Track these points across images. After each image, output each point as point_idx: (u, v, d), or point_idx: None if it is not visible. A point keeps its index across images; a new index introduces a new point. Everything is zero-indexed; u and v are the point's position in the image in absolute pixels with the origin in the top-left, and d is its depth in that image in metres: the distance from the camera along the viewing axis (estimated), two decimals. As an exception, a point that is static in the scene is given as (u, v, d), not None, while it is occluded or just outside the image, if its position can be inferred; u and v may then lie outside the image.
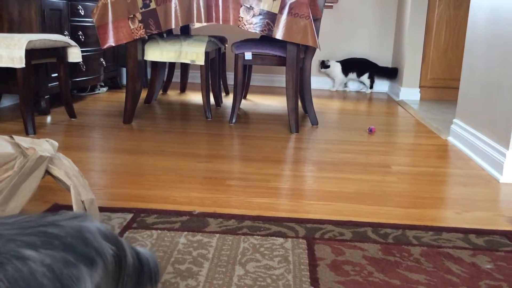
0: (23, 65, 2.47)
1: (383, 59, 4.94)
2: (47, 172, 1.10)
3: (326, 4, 4.78)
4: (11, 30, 3.01)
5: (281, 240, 1.39)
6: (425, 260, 1.31)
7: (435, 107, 3.95)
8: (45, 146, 1.11)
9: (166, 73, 4.25)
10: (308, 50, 3.00)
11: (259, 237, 1.41)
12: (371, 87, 4.79)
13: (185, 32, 4.01)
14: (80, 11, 3.52)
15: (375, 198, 1.80)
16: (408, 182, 2.02)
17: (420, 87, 4.35)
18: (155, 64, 3.68)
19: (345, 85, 4.96)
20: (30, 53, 2.53)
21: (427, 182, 2.03)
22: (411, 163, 2.30)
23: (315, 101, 4.09)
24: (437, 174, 2.15)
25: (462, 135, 2.61)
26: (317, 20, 2.90)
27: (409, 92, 4.35)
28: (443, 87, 4.35)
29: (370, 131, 2.95)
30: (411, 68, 4.32)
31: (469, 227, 1.56)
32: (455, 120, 2.78)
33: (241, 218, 1.55)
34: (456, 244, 1.42)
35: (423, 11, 4.21)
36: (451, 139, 2.78)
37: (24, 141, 1.11)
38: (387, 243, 1.41)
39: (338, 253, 1.33)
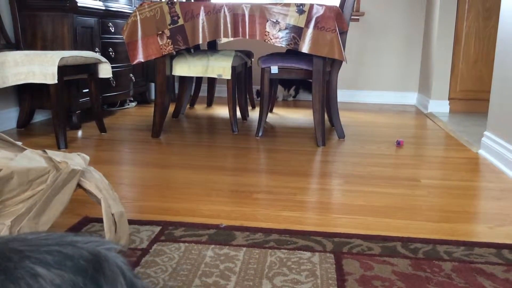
0: (56, 81, 2.55)
1: (411, 71, 4.89)
2: (79, 186, 1.13)
3: (352, 17, 4.77)
4: (44, 47, 3.11)
5: (308, 254, 1.38)
6: (457, 276, 1.28)
7: (465, 119, 3.88)
8: (77, 160, 1.14)
9: (193, 87, 4.30)
10: (334, 63, 2.99)
11: (286, 251, 1.40)
12: (295, 96, 5.05)
13: (212, 47, 4.06)
14: (111, 28, 3.61)
15: (405, 212, 1.77)
16: (438, 196, 1.98)
17: (449, 99, 4.28)
18: (182, 79, 3.73)
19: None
20: (63, 69, 2.60)
21: (458, 196, 1.99)
22: (441, 177, 2.26)
23: (342, 114, 4.07)
24: (468, 187, 2.10)
25: (493, 148, 2.55)
26: (343, 33, 2.90)
27: (438, 104, 4.29)
28: (473, 99, 4.27)
29: (399, 144, 2.91)
30: (440, 80, 4.26)
31: (502, 242, 1.52)
32: (486, 133, 2.72)
33: (268, 231, 1.54)
34: (489, 260, 1.38)
35: (452, 22, 4.16)
36: (482, 152, 2.72)
37: (57, 155, 1.14)
38: (417, 258, 1.38)
39: (367, 268, 1.31)
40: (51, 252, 0.53)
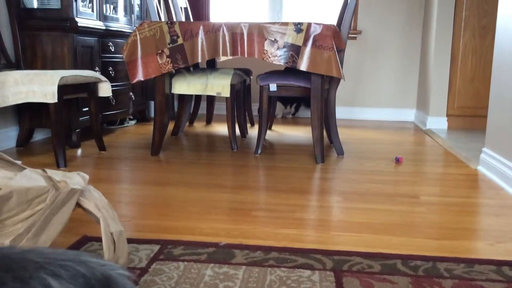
0: (56, 101, 2.56)
1: (409, 88, 4.92)
2: (78, 205, 1.13)
3: (350, 35, 4.82)
4: (44, 67, 3.13)
5: (308, 272, 1.38)
6: (458, 294, 1.27)
7: (463, 136, 3.89)
8: (76, 179, 1.15)
9: (192, 105, 4.32)
10: (332, 81, 3.02)
11: (286, 269, 1.40)
12: (294, 114, 5.09)
13: (211, 65, 4.09)
14: (111, 48, 3.64)
15: (404, 229, 1.77)
16: (438, 212, 1.98)
17: (447, 115, 4.30)
18: (182, 97, 3.75)
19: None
20: (62, 88, 2.62)
21: (458, 212, 1.98)
22: (440, 193, 2.26)
23: (340, 131, 4.09)
24: (468, 204, 2.10)
25: (492, 164, 2.56)
26: (341, 51, 2.92)
27: (436, 121, 4.31)
28: (471, 116, 4.29)
29: (397, 160, 2.92)
30: (438, 97, 4.29)
31: (502, 259, 1.52)
32: (484, 149, 2.73)
33: (267, 249, 1.54)
34: (489, 277, 1.37)
35: (448, 41, 4.21)
36: (481, 168, 2.73)
37: (56, 174, 1.14)
38: (418, 275, 1.37)
39: (367, 286, 1.30)
40: (65, 267, 0.54)
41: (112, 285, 0.57)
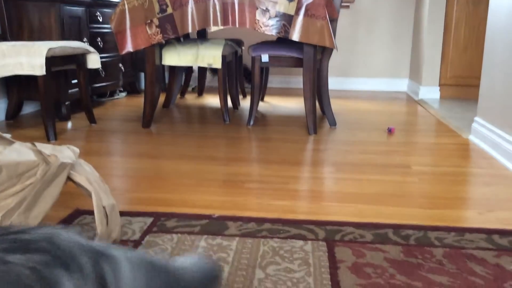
0: (44, 73, 2.51)
1: (402, 58, 4.90)
2: (69, 179, 1.12)
3: (342, 4, 4.76)
4: (31, 38, 3.07)
5: (301, 242, 1.39)
6: (448, 262, 1.29)
7: (455, 105, 3.90)
8: (66, 153, 1.13)
9: (183, 76, 4.27)
10: (325, 51, 2.98)
11: (279, 240, 1.41)
12: None
13: (202, 36, 4.03)
14: (99, 18, 3.57)
15: (396, 199, 1.78)
16: (429, 182, 1.99)
17: (440, 85, 4.30)
18: (172, 69, 3.71)
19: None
20: (51, 60, 2.57)
21: (449, 182, 2.00)
22: (432, 163, 2.28)
23: (333, 102, 4.07)
24: (459, 173, 2.12)
25: (483, 134, 2.57)
26: (333, 20, 2.88)
27: (429, 91, 4.30)
28: (463, 85, 4.29)
29: (390, 131, 2.92)
30: (431, 67, 4.27)
31: (492, 227, 1.54)
32: (476, 119, 2.73)
33: (260, 221, 1.55)
34: (480, 245, 1.39)
35: (442, 9, 4.16)
36: (472, 137, 2.74)
37: (46, 148, 1.13)
38: (409, 244, 1.39)
39: (359, 255, 1.32)
40: (10, 241, 0.53)
41: (60, 244, 0.56)
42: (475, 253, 1.34)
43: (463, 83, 4.28)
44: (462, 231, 1.49)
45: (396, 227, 1.51)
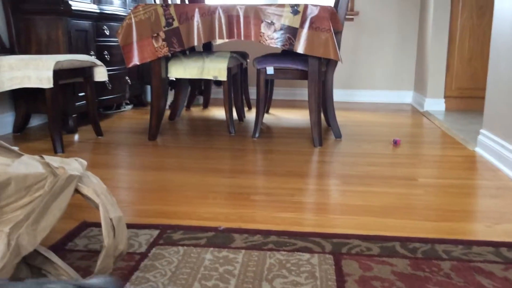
0: (51, 85, 2.54)
1: (406, 70, 4.91)
2: (76, 191, 1.12)
3: (346, 16, 4.78)
4: (39, 51, 3.10)
5: (307, 255, 1.38)
6: (456, 275, 1.28)
7: (461, 117, 3.89)
8: (74, 165, 1.14)
9: (189, 89, 4.29)
10: (329, 63, 3.00)
11: (285, 252, 1.40)
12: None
13: (208, 48, 4.06)
14: (105, 31, 3.61)
15: (402, 212, 1.78)
16: (436, 194, 1.98)
17: (445, 97, 4.30)
18: (178, 81, 3.73)
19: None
20: (58, 73, 2.59)
21: (455, 194, 1.99)
22: (438, 175, 2.27)
23: (338, 114, 4.08)
24: (465, 186, 2.11)
25: (490, 146, 2.56)
26: (338, 33, 2.90)
27: (434, 103, 4.30)
28: (468, 97, 4.29)
29: (395, 143, 2.92)
30: (435, 78, 4.27)
31: (500, 240, 1.53)
32: (482, 131, 2.73)
33: (266, 233, 1.54)
34: (487, 258, 1.38)
35: (446, 21, 4.18)
36: (478, 149, 2.73)
37: (54, 160, 1.14)
38: (416, 257, 1.38)
39: (366, 269, 1.31)
40: None
41: None
42: (483, 266, 1.34)
43: (468, 94, 4.28)
44: (469, 244, 1.49)
45: (403, 240, 1.50)
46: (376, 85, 4.99)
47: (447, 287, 1.22)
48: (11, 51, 2.99)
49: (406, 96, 4.96)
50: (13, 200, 1.01)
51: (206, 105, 4.36)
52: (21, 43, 3.09)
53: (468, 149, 2.81)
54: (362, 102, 4.93)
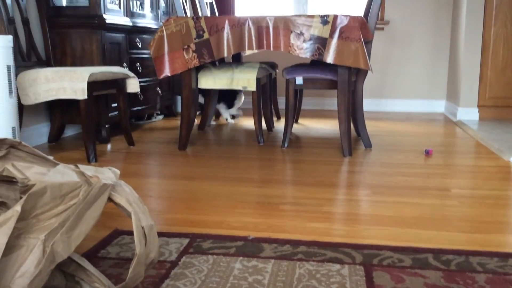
0: (85, 97, 2.61)
1: (439, 79, 4.83)
2: (109, 199, 1.15)
3: (377, 26, 4.75)
4: (74, 63, 3.19)
5: (337, 266, 1.37)
6: (491, 289, 1.24)
7: (495, 127, 3.80)
8: (107, 174, 1.16)
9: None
10: (359, 73, 2.98)
11: (315, 263, 1.39)
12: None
13: (237, 59, 4.10)
14: (138, 44, 3.68)
15: (435, 223, 1.74)
16: (470, 206, 1.94)
17: (478, 106, 4.20)
18: (208, 92, 3.77)
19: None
20: (92, 85, 2.66)
21: (490, 205, 1.94)
22: (472, 186, 2.22)
23: (368, 123, 4.04)
24: (501, 197, 2.05)
25: (526, 156, 2.49)
26: (368, 42, 2.88)
27: (467, 112, 4.21)
28: (502, 106, 4.18)
29: (427, 153, 2.87)
30: (469, 88, 4.19)
31: (538, 253, 1.48)
32: (518, 140, 2.65)
33: (296, 243, 1.54)
34: (525, 272, 1.34)
35: (479, 30, 4.10)
36: (514, 160, 2.66)
37: (88, 169, 1.17)
38: (450, 270, 1.35)
39: (398, 281, 1.29)
40: None
41: None
42: (520, 279, 1.29)
43: (502, 103, 4.18)
44: (505, 256, 1.44)
45: (436, 252, 1.47)
46: (407, 95, 4.92)
47: (483, 301, 1.18)
48: (47, 63, 3.09)
49: (439, 106, 4.87)
50: (48, 208, 1.04)
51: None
52: (56, 56, 3.19)
53: (502, 159, 2.74)
54: (393, 112, 4.87)
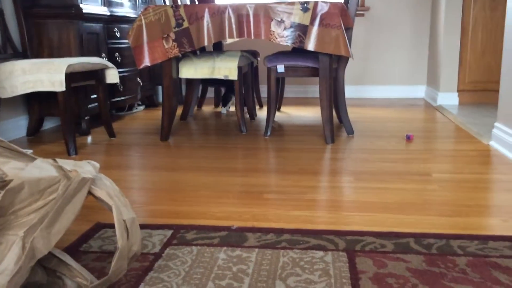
0: (64, 89, 2.56)
1: (419, 64, 4.86)
2: (90, 193, 1.13)
3: (357, 12, 4.75)
4: (51, 55, 3.13)
5: (321, 253, 1.38)
6: (472, 271, 1.27)
7: (474, 111, 3.85)
8: (87, 168, 1.15)
9: (200, 89, 4.31)
10: (341, 60, 2.98)
11: (299, 250, 1.40)
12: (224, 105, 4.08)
13: (218, 48, 4.06)
14: (116, 34, 3.63)
15: (417, 208, 1.76)
16: (450, 190, 1.96)
17: (458, 91, 4.25)
18: (189, 81, 3.74)
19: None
20: (70, 76, 2.62)
21: (470, 189, 1.97)
22: (452, 170, 2.25)
23: (350, 110, 4.06)
24: (480, 180, 2.09)
25: (504, 139, 2.52)
26: (349, 29, 2.88)
27: (447, 97, 4.25)
28: (482, 90, 4.24)
29: (408, 138, 2.89)
30: (448, 72, 4.23)
31: (517, 235, 1.51)
32: (496, 124, 2.69)
33: (279, 232, 1.54)
34: (504, 253, 1.37)
35: (458, 14, 4.13)
36: (493, 143, 2.70)
37: (67, 164, 1.15)
38: (431, 253, 1.37)
39: (380, 266, 1.30)
40: None
41: None
42: (500, 261, 1.32)
43: (481, 88, 4.23)
44: (485, 239, 1.47)
45: (418, 236, 1.49)
46: (388, 81, 4.95)
47: (463, 283, 1.21)
48: (23, 55, 3.03)
49: (419, 91, 4.91)
50: (27, 204, 1.02)
51: (217, 104, 4.36)
52: (33, 47, 3.13)
53: (482, 143, 2.78)
54: (374, 98, 4.90)
